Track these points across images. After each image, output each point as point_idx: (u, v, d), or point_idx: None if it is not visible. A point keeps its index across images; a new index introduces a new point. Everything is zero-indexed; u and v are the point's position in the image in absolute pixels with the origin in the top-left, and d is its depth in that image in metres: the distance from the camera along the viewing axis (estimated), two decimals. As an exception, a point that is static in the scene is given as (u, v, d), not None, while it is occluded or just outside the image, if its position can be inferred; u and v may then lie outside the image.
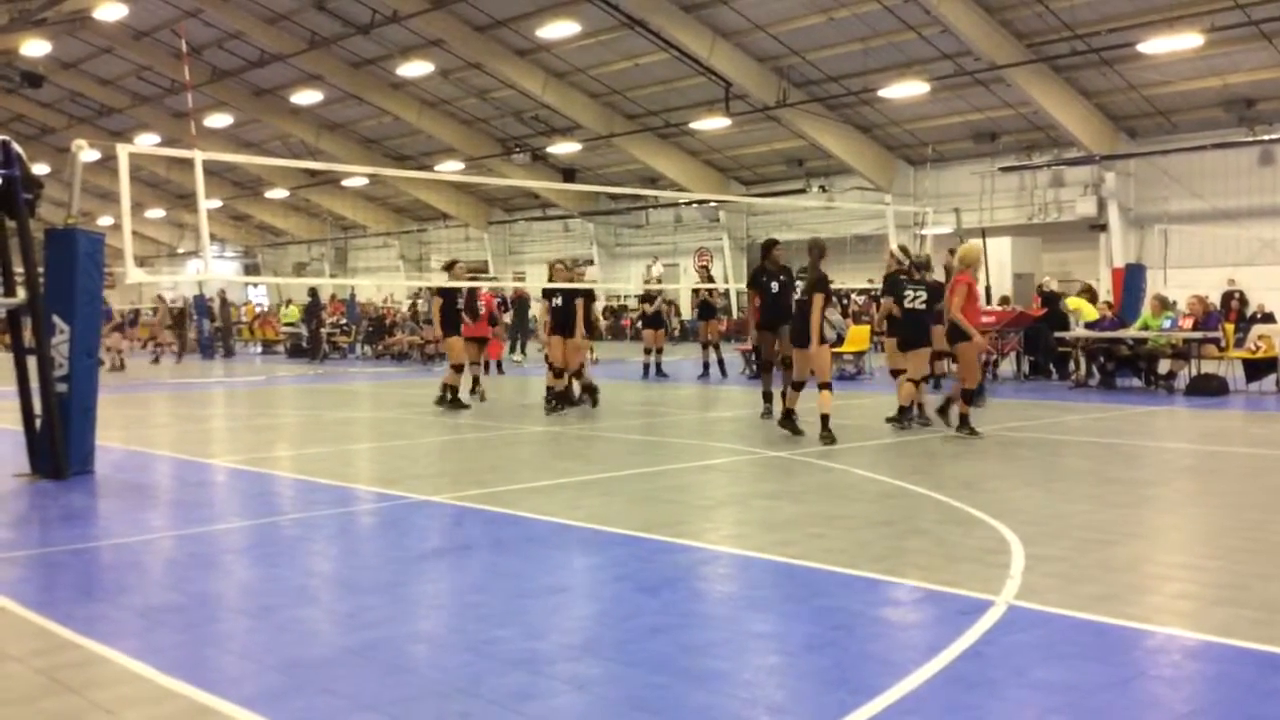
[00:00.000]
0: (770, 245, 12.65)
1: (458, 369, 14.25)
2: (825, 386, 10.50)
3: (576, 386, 13.98)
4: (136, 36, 36.48)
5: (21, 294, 8.78)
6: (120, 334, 25.69)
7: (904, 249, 12.36)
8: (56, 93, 41.87)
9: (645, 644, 4.32)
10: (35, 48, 33.34)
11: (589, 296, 13.93)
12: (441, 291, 14.51)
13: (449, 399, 14.05)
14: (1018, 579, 5.19)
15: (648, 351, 20.09)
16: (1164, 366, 16.11)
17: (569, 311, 13.41)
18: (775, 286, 12.15)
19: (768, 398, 12.39)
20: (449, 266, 14.96)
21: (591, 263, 42.87)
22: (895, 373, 11.98)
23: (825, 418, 10.31)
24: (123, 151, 9.13)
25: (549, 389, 13.55)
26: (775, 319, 12.00)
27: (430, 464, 9.58)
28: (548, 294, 13.78)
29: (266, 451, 10.54)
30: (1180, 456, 9.83)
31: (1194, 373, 15.57)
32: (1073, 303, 18.56)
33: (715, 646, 4.33)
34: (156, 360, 27.26)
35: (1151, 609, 4.83)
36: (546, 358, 13.88)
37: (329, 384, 20.08)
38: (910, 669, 3.99)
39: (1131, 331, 16.31)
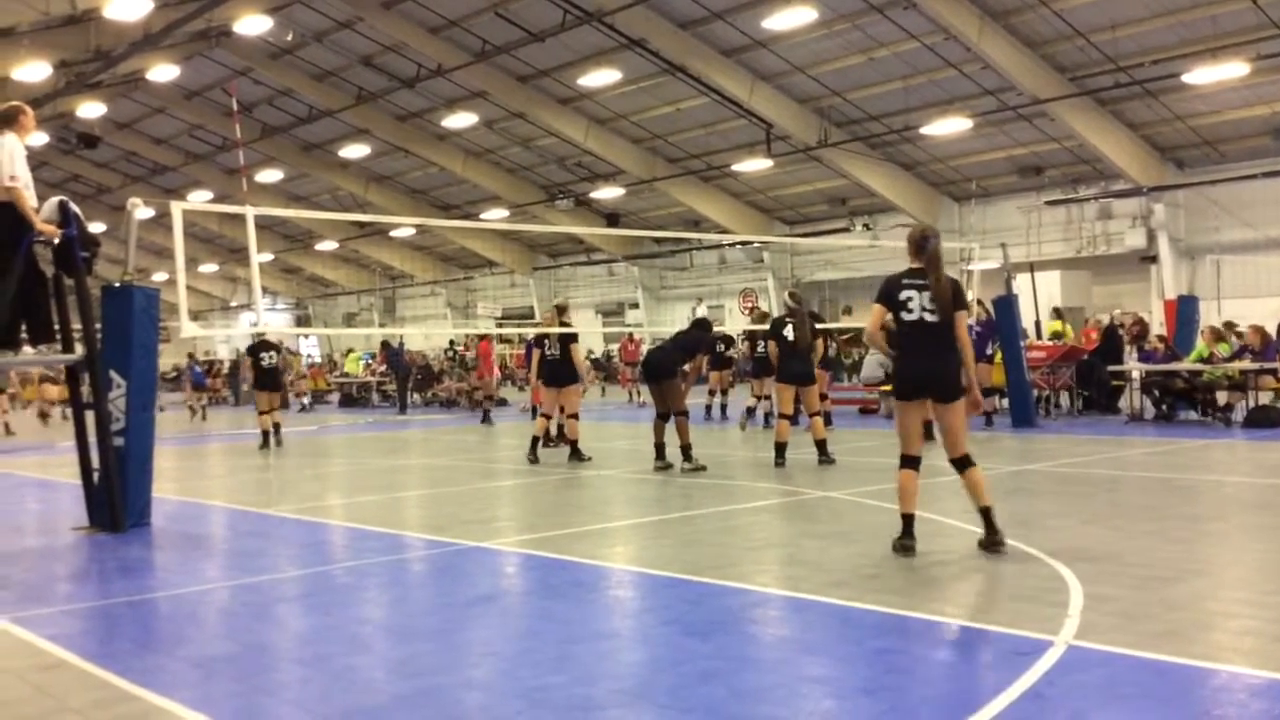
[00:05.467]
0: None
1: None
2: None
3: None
4: (188, 96, 37.36)
5: (79, 350, 8.96)
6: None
7: (793, 295, 12.54)
8: (111, 153, 42.91)
9: (697, 689, 4.29)
10: (90, 109, 34.23)
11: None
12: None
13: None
14: (1077, 618, 5.10)
15: (712, 393, 20.07)
16: (1221, 398, 15.83)
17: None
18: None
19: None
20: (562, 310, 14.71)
21: (637, 306, 43.13)
22: (782, 415, 12.13)
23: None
24: (176, 209, 9.32)
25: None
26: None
27: (479, 510, 9.61)
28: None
29: (318, 500, 10.63)
30: (1240, 490, 9.63)
31: (1252, 404, 15.29)
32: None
33: (768, 691, 4.28)
34: (198, 413, 27.14)
35: (1215, 647, 4.72)
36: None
37: (378, 432, 20.24)
38: (969, 712, 3.92)
39: (1188, 364, 16.05)
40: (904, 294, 6.73)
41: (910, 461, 6.82)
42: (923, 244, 6.77)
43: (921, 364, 6.75)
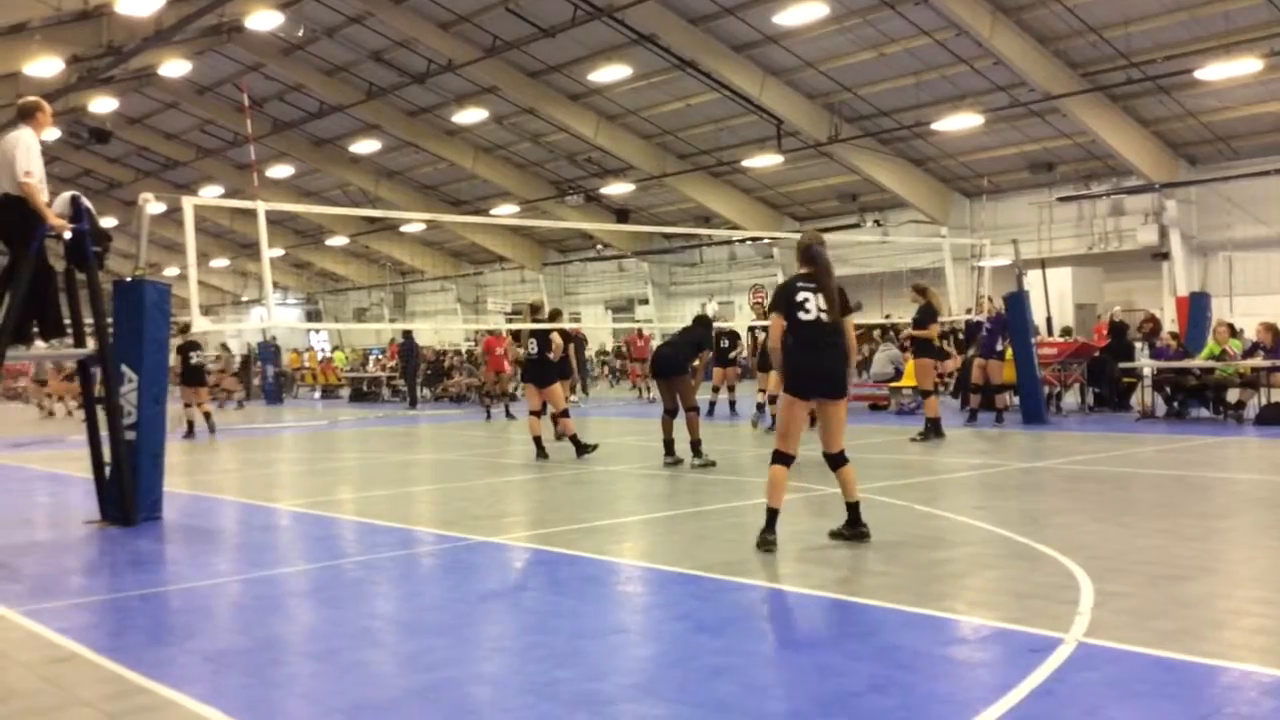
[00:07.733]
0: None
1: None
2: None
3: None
4: (200, 91, 37.45)
5: (91, 344, 9.00)
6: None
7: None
8: (123, 148, 43.04)
9: (707, 684, 4.29)
10: (103, 104, 34.33)
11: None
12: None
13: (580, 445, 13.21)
14: (1087, 615, 5.09)
15: (716, 390, 19.98)
16: (1233, 396, 15.77)
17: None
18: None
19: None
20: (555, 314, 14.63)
21: (647, 302, 43.13)
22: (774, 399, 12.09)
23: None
24: (188, 204, 9.33)
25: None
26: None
27: (489, 505, 9.62)
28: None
29: (329, 495, 10.65)
30: (1252, 487, 9.59)
31: (1264, 402, 15.23)
32: None
33: (778, 687, 4.28)
34: (220, 406, 27.63)
35: (1226, 645, 4.70)
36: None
37: (388, 427, 20.27)
38: (979, 709, 3.92)
39: (1200, 361, 15.98)
40: (800, 295, 7.03)
41: (786, 458, 6.99)
42: (812, 254, 7.15)
43: (821, 362, 7.03)
